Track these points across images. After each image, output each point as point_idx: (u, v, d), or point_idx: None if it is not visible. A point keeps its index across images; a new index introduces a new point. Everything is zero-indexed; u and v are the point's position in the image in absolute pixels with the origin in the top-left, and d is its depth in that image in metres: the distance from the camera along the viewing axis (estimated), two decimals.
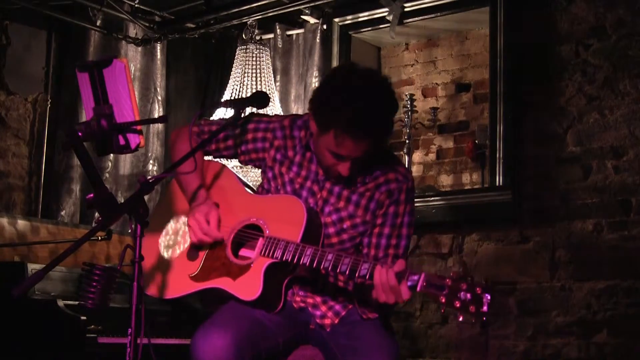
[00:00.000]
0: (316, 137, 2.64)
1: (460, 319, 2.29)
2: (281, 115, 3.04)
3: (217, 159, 3.01)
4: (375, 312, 2.66)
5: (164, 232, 2.85)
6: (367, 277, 2.43)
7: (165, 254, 2.80)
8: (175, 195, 2.89)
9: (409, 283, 2.36)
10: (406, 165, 4.97)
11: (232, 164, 4.44)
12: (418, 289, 2.34)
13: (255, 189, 3.13)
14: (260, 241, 2.63)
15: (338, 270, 2.49)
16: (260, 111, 4.52)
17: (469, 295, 2.26)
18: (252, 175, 4.70)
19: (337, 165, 2.61)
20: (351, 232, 2.70)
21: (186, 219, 2.78)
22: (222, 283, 2.64)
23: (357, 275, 2.46)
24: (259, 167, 2.90)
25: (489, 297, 2.25)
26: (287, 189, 2.75)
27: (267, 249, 2.59)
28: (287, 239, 2.57)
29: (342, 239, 2.69)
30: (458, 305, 2.26)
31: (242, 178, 2.93)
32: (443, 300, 2.29)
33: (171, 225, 2.85)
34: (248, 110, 4.21)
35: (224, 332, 2.47)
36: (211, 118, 4.85)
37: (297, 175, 2.75)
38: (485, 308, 2.24)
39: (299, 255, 2.53)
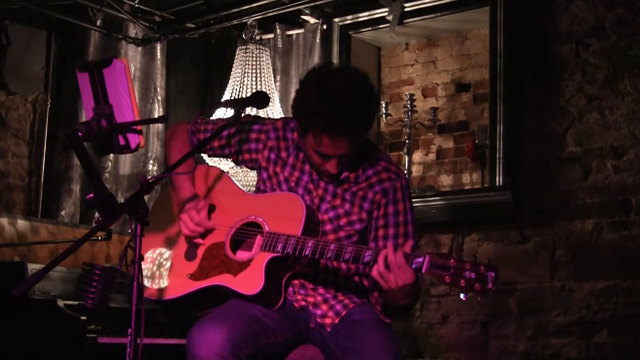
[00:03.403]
0: (301, 139, 2.68)
1: (464, 298, 2.33)
2: (274, 118, 3.06)
3: (212, 158, 3.04)
4: (391, 317, 2.66)
5: (161, 235, 2.85)
6: (371, 262, 2.44)
7: (163, 256, 2.80)
8: (171, 198, 2.90)
9: (414, 265, 2.37)
10: (406, 166, 4.98)
11: (227, 166, 4.45)
12: (423, 270, 2.36)
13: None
14: (260, 237, 2.64)
15: (341, 259, 2.50)
16: (260, 112, 4.56)
17: (473, 274, 2.30)
18: (249, 179, 4.71)
19: (325, 164, 2.64)
20: (348, 229, 2.71)
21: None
22: (223, 280, 2.65)
23: (360, 261, 2.47)
24: (252, 169, 2.94)
25: (493, 275, 2.30)
26: (282, 187, 2.77)
27: (267, 244, 2.60)
28: (288, 234, 2.57)
29: (339, 236, 2.70)
30: (463, 284, 2.30)
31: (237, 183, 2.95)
32: (448, 280, 2.32)
33: (168, 228, 2.85)
34: (248, 110, 4.23)
35: (219, 327, 2.47)
36: (211, 118, 4.85)
37: (292, 174, 2.78)
38: (490, 285, 2.29)
39: (300, 248, 2.54)
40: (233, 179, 2.96)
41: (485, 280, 2.29)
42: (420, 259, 2.37)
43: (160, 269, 2.79)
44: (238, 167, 4.44)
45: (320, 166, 2.66)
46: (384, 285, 2.41)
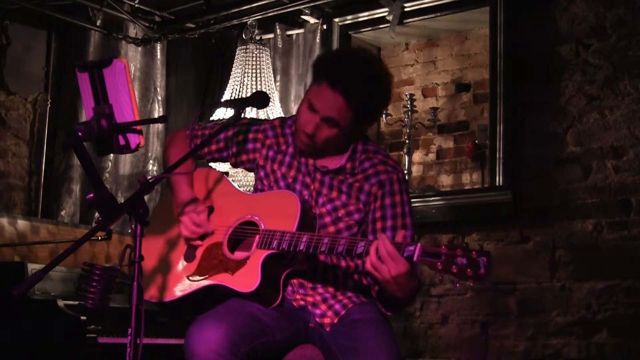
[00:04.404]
0: (302, 100, 2.73)
1: (457, 285, 2.32)
2: (271, 119, 3.08)
3: (210, 162, 3.06)
4: (392, 311, 2.68)
5: (161, 237, 2.85)
6: (364, 254, 2.44)
7: (163, 258, 2.81)
8: (171, 201, 2.91)
9: (406, 254, 2.37)
10: (406, 166, 4.98)
11: (226, 166, 4.45)
12: (415, 258, 2.35)
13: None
14: (257, 236, 2.65)
15: (335, 252, 2.50)
16: (260, 112, 4.56)
17: (465, 260, 2.28)
18: (249, 180, 4.71)
19: (307, 123, 2.65)
20: (347, 220, 2.72)
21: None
22: (220, 279, 2.65)
23: (354, 253, 2.47)
24: (250, 170, 2.95)
25: (485, 260, 2.27)
26: (280, 184, 2.79)
27: (263, 242, 2.61)
28: (283, 230, 2.59)
29: (339, 227, 2.71)
30: (455, 270, 2.28)
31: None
32: (440, 267, 2.31)
33: (168, 230, 2.85)
34: (248, 110, 4.23)
35: (217, 325, 2.47)
36: (211, 118, 4.86)
37: (289, 170, 2.79)
38: (482, 270, 2.27)
39: (295, 243, 2.54)
40: (231, 180, 2.97)
41: (477, 265, 2.27)
42: (411, 248, 2.37)
43: (160, 271, 2.79)
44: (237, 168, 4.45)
45: (303, 125, 2.66)
46: (378, 277, 2.41)
